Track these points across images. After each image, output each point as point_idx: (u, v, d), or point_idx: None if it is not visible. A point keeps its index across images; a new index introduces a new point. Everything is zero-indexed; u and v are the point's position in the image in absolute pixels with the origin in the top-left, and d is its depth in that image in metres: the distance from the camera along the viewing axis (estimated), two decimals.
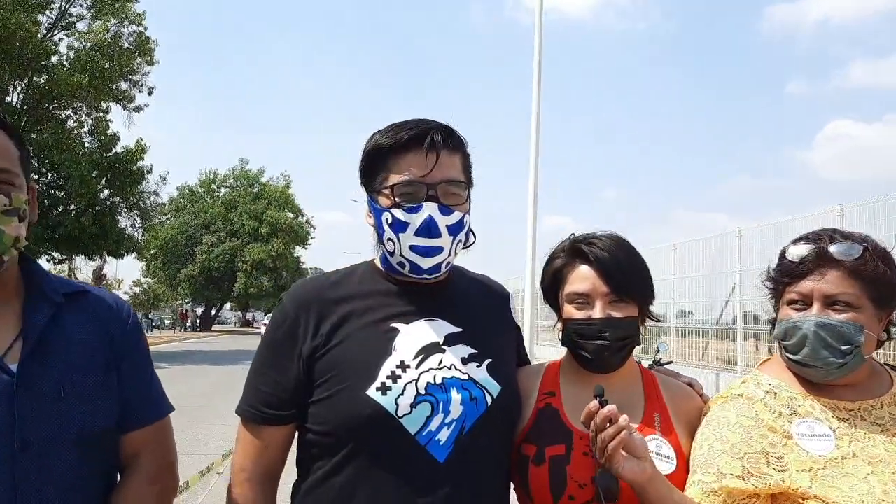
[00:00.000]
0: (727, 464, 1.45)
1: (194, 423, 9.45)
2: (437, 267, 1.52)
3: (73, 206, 24.23)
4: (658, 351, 9.43)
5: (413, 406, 1.43)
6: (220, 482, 6.26)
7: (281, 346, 1.52)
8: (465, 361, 1.51)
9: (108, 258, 28.87)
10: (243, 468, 1.52)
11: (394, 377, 1.45)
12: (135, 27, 24.91)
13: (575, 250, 1.62)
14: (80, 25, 24.39)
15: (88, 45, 23.83)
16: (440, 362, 1.49)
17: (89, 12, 24.27)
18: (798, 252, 1.51)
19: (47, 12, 23.29)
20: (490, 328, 1.62)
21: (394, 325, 1.51)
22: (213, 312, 58.57)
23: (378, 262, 1.63)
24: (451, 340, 1.53)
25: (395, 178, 1.49)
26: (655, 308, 1.67)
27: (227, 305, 66.48)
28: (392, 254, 1.52)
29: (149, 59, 25.45)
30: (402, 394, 1.43)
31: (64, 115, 24.78)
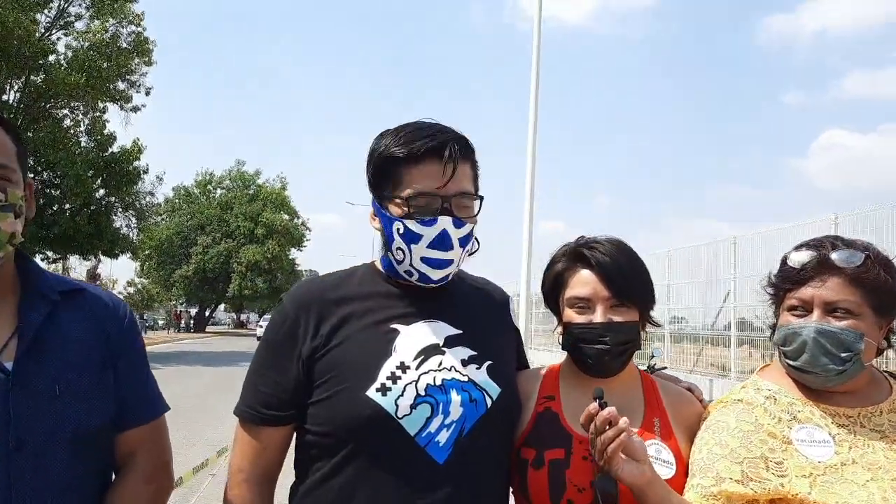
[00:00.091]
0: (726, 468, 1.45)
1: (188, 423, 9.42)
2: (445, 277, 1.52)
3: (68, 206, 24.21)
4: (652, 356, 9.48)
5: (413, 407, 1.42)
6: (213, 484, 6.24)
7: (280, 346, 1.51)
8: (464, 363, 1.51)
9: (102, 258, 28.82)
10: (241, 469, 1.52)
11: (394, 378, 1.44)
12: (133, 27, 24.96)
13: (576, 254, 1.62)
14: (79, 25, 24.46)
15: (86, 44, 23.85)
16: (440, 364, 1.48)
17: (88, 12, 24.30)
18: (799, 258, 1.51)
19: (46, 11, 23.32)
20: (490, 330, 1.61)
21: (394, 326, 1.51)
22: (207, 313, 58.48)
23: (378, 264, 1.62)
24: (451, 342, 1.52)
25: (409, 190, 1.47)
26: None
27: (222, 306, 66.49)
28: (401, 262, 1.51)
29: (147, 59, 25.47)
30: (401, 395, 1.42)
31: (60, 115, 24.79)
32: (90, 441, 1.38)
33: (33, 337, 1.35)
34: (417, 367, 1.46)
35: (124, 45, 24.64)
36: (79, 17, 24.33)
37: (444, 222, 1.46)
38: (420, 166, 1.47)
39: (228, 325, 76.07)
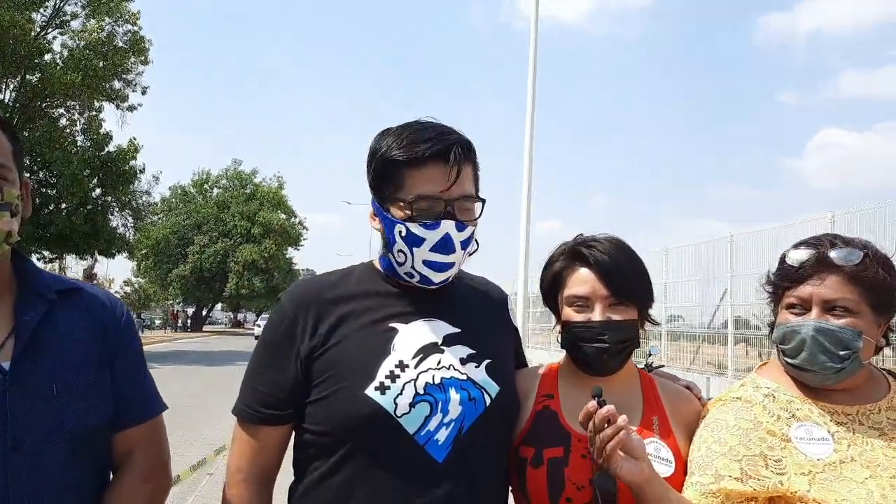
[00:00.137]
0: (725, 465, 1.45)
1: (186, 423, 9.40)
2: (446, 280, 1.52)
3: (64, 205, 24.17)
4: (650, 354, 9.50)
5: (412, 406, 1.42)
6: (211, 483, 6.24)
7: (279, 345, 1.51)
8: (463, 362, 1.51)
9: (98, 257, 28.70)
10: (239, 468, 1.51)
11: (392, 377, 1.44)
12: (129, 26, 24.90)
13: (575, 253, 1.62)
14: (75, 24, 24.39)
15: (82, 43, 23.79)
16: (439, 362, 1.48)
17: (84, 11, 24.23)
18: (798, 256, 1.51)
19: (41, 10, 23.24)
20: (489, 329, 1.61)
21: (392, 325, 1.51)
22: (204, 313, 58.41)
23: (377, 264, 1.62)
24: (449, 341, 1.52)
25: (411, 192, 1.46)
26: None
27: (219, 306, 66.40)
28: (402, 264, 1.51)
29: (143, 58, 25.42)
30: (400, 393, 1.42)
31: (56, 114, 24.73)
32: (88, 440, 1.38)
33: (30, 336, 1.35)
34: (416, 366, 1.46)
35: (120, 43, 24.59)
36: (74, 16, 24.28)
37: (447, 226, 1.45)
38: (423, 170, 1.45)
39: (225, 324, 75.97)
